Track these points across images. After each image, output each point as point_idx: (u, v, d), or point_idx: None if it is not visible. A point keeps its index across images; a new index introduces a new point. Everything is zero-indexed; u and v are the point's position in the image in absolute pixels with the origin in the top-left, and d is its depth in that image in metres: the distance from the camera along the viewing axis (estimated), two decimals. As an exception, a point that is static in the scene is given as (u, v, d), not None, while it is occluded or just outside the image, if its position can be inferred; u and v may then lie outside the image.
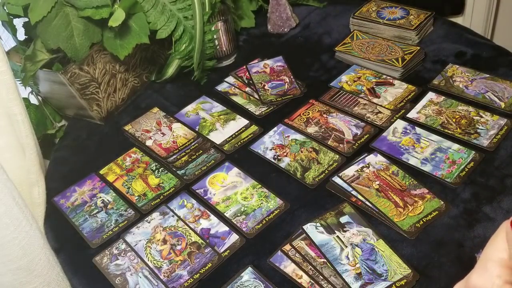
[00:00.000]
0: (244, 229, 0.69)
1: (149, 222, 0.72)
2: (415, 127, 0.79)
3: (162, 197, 0.76)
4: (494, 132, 0.75)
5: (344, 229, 0.65)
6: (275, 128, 0.84)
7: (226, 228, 0.70)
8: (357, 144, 0.78)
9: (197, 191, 0.76)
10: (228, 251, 0.66)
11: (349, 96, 0.88)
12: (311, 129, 0.82)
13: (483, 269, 0.37)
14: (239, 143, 0.83)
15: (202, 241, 0.68)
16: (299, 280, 0.61)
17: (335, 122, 0.83)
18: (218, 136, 0.85)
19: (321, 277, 0.61)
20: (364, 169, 0.73)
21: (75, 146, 0.90)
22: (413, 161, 0.73)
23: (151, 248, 0.68)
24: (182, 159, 0.81)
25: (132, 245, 0.69)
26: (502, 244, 0.36)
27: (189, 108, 0.92)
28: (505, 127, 0.76)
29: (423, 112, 0.81)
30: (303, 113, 0.86)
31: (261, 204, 0.72)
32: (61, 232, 0.74)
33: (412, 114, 0.81)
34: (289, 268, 0.63)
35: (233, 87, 0.96)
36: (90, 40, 0.82)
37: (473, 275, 0.38)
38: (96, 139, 0.90)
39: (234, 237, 0.68)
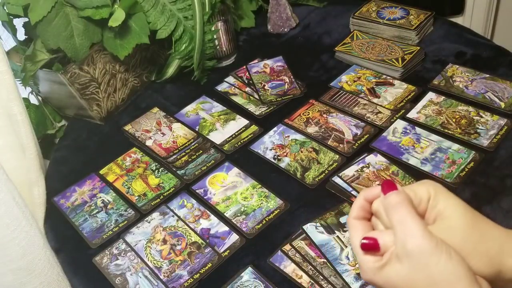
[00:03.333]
0: (244, 229, 0.69)
1: (149, 222, 0.72)
2: (415, 127, 0.79)
3: (162, 197, 0.76)
4: (494, 132, 0.75)
5: (344, 229, 0.65)
6: (275, 128, 0.84)
7: (226, 228, 0.70)
8: (357, 144, 0.78)
9: (197, 191, 0.76)
10: (228, 251, 0.66)
11: (349, 96, 0.88)
12: (311, 129, 0.82)
13: (359, 266, 0.44)
14: (239, 143, 0.83)
15: (202, 241, 0.68)
16: (299, 280, 0.61)
17: (335, 122, 0.83)
18: (218, 136, 0.85)
19: (321, 277, 0.61)
20: (364, 169, 0.74)
21: (75, 146, 0.90)
22: (413, 161, 0.73)
23: (151, 248, 0.68)
24: (182, 159, 0.81)
25: (132, 245, 0.69)
26: (353, 236, 0.45)
27: (189, 108, 0.92)
28: (505, 127, 0.76)
29: (423, 112, 0.81)
30: (303, 113, 0.86)
31: (261, 204, 0.72)
32: (61, 232, 0.74)
33: (412, 114, 0.81)
34: (289, 268, 0.63)
35: (233, 87, 0.96)
36: (90, 40, 0.82)
37: (361, 274, 0.45)
38: (96, 139, 0.90)
39: (234, 237, 0.68)
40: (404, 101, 0.84)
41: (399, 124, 0.80)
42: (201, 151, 0.82)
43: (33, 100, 0.93)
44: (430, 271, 0.40)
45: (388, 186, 0.44)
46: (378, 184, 0.70)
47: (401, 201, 0.42)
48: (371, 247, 0.43)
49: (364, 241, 0.43)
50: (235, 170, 0.78)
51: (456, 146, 0.74)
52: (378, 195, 0.45)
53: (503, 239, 0.44)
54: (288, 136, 0.82)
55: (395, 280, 0.41)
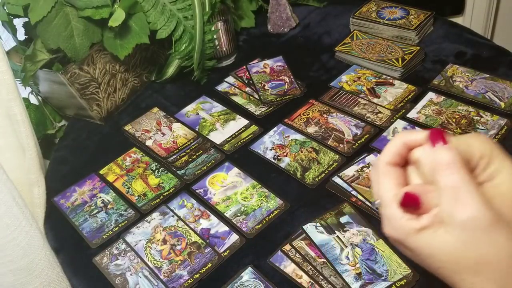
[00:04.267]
0: (244, 229, 0.69)
1: (149, 222, 0.72)
2: (415, 127, 0.79)
3: (162, 197, 0.76)
4: (494, 132, 0.75)
5: (344, 229, 0.65)
6: (275, 128, 0.84)
7: (226, 228, 0.70)
8: (357, 144, 0.78)
9: (197, 191, 0.76)
10: (228, 251, 0.67)
11: (349, 96, 0.88)
12: (311, 129, 0.82)
13: (386, 219, 0.39)
14: (239, 143, 0.83)
15: (202, 241, 0.68)
16: (299, 280, 0.61)
17: (335, 122, 0.83)
18: (218, 136, 0.85)
19: (321, 277, 0.61)
20: (364, 169, 0.74)
21: (75, 146, 0.90)
22: (413, 161, 0.73)
23: (151, 248, 0.68)
24: (182, 159, 0.81)
25: (132, 245, 0.69)
26: (385, 184, 0.39)
27: (189, 108, 0.92)
28: (505, 127, 0.76)
29: (423, 112, 0.81)
30: (303, 113, 0.86)
31: (261, 204, 0.72)
32: (61, 232, 0.74)
33: (412, 114, 0.81)
34: (289, 268, 0.63)
35: (233, 87, 0.96)
36: (90, 40, 0.82)
37: (384, 228, 0.39)
38: (96, 139, 0.90)
39: (234, 237, 0.68)
40: (404, 101, 0.84)
41: (399, 124, 0.80)
42: (201, 151, 0.82)
43: (33, 100, 0.93)
44: (485, 249, 0.34)
45: (437, 135, 0.37)
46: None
47: (455, 161, 0.36)
48: (412, 203, 0.37)
49: (407, 195, 0.37)
50: (235, 170, 0.78)
51: (456, 146, 0.74)
52: (421, 143, 0.39)
53: None
54: (288, 136, 0.82)
55: (435, 248, 0.36)
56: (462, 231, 0.35)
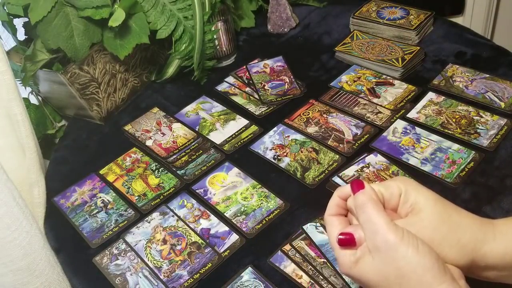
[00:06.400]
0: (244, 229, 0.69)
1: (149, 222, 0.72)
2: (415, 127, 0.79)
3: (162, 197, 0.76)
4: (494, 132, 0.75)
5: (344, 229, 0.65)
6: (275, 128, 0.84)
7: (226, 228, 0.70)
8: (357, 144, 0.78)
9: (197, 191, 0.76)
10: (228, 251, 0.67)
11: (349, 96, 0.88)
12: (311, 129, 0.83)
13: (337, 259, 0.46)
14: (239, 143, 0.83)
15: (202, 241, 0.68)
16: (299, 280, 0.61)
17: (335, 122, 0.83)
18: (218, 136, 0.85)
19: (321, 277, 0.61)
20: (364, 169, 0.74)
21: (75, 146, 0.90)
22: (413, 161, 0.73)
23: (151, 248, 0.68)
24: (182, 159, 0.81)
25: (132, 245, 0.69)
26: (330, 231, 0.47)
27: (189, 108, 0.92)
28: (505, 127, 0.76)
29: (423, 112, 0.81)
30: (303, 113, 0.86)
31: (261, 204, 0.72)
32: (61, 232, 0.74)
33: (412, 114, 0.82)
34: (289, 268, 0.63)
35: (233, 87, 0.96)
36: (90, 40, 0.82)
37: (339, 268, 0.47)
38: (96, 139, 0.90)
39: (234, 237, 0.68)
40: (404, 101, 0.84)
41: (399, 124, 0.80)
42: (201, 151, 0.82)
43: (33, 100, 0.93)
44: (398, 264, 0.41)
45: (357, 185, 0.46)
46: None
47: (367, 200, 0.45)
48: (347, 242, 0.45)
49: (341, 236, 0.45)
50: (235, 170, 0.78)
51: (456, 146, 0.74)
52: (350, 193, 0.47)
53: (475, 227, 0.45)
54: (288, 136, 0.82)
55: (369, 273, 0.43)
56: (380, 253, 0.42)
